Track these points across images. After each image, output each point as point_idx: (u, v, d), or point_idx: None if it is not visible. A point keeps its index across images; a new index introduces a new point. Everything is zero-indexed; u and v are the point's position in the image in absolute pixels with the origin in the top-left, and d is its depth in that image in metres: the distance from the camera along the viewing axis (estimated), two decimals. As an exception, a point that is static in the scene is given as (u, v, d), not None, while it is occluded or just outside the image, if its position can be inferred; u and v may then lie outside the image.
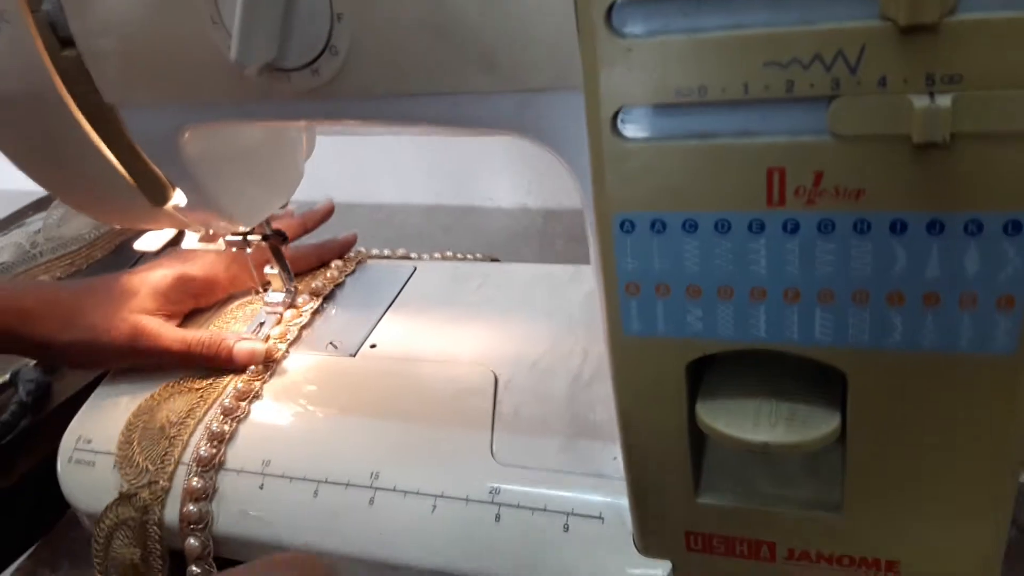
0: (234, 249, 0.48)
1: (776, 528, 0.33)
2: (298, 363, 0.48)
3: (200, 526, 0.42)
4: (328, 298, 0.53)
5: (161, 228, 0.45)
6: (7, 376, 0.61)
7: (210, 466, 0.43)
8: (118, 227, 0.53)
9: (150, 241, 0.47)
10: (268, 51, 0.30)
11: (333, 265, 0.55)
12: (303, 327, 0.50)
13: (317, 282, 0.53)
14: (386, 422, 0.43)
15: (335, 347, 0.48)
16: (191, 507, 0.42)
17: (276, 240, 0.48)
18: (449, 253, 0.57)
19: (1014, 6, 0.23)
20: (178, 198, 0.40)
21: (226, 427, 0.44)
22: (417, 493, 0.40)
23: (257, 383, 0.46)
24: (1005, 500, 0.30)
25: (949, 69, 0.23)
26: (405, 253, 0.58)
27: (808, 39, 0.24)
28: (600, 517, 0.37)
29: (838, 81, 0.24)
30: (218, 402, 0.45)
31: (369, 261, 0.56)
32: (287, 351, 0.49)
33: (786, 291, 0.28)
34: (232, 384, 0.46)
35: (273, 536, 0.41)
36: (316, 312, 0.51)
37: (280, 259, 0.50)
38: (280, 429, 0.44)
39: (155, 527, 0.43)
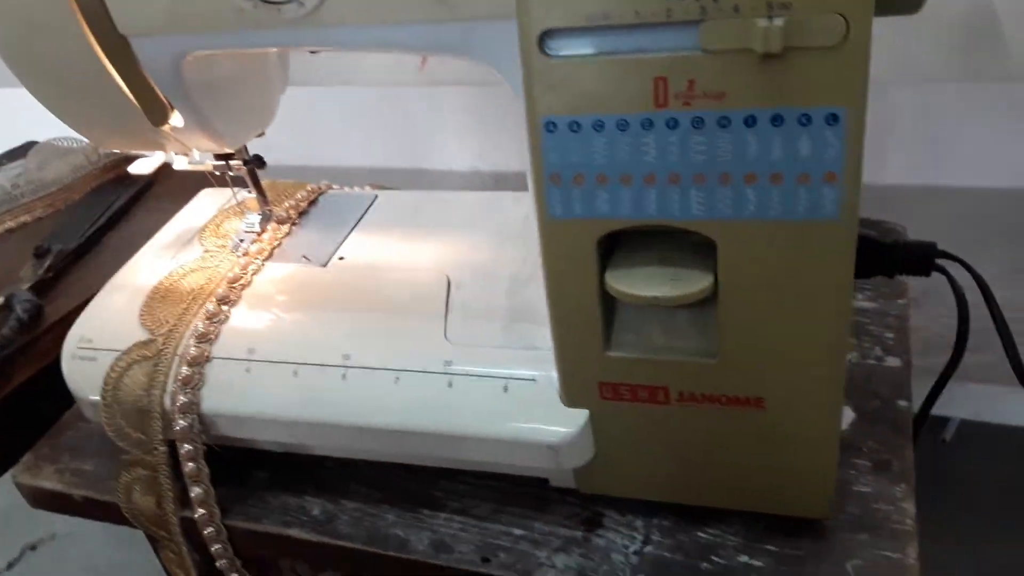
0: (218, 173, 0.55)
1: (668, 374, 0.41)
2: (276, 273, 0.55)
3: (189, 411, 0.50)
4: (296, 223, 0.60)
5: (156, 150, 0.52)
6: (1, 299, 0.67)
7: (198, 362, 0.50)
8: (116, 151, 0.59)
9: (143, 165, 0.54)
10: (265, -14, 0.37)
11: (299, 195, 0.62)
12: (276, 246, 0.57)
13: (283, 209, 0.60)
14: (355, 315, 0.51)
15: (308, 260, 0.56)
16: (180, 398, 0.49)
17: (255, 164, 0.55)
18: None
19: (827, -48, 0.31)
20: (175, 120, 0.47)
21: (211, 328, 0.51)
22: (383, 368, 0.47)
23: (237, 291, 0.54)
24: (841, 342, 0.38)
25: (782, -1, 0.32)
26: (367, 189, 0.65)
27: (679, -24, 0.32)
28: (533, 380, 0.45)
29: (705, 8, 0.33)
30: (202, 307, 0.52)
31: (331, 192, 0.63)
32: (263, 265, 0.56)
33: (670, 175, 0.36)
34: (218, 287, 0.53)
35: (258, 411, 0.49)
36: (287, 234, 0.59)
37: (257, 183, 0.57)
38: (262, 324, 0.52)
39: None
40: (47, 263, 0.71)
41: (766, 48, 0.32)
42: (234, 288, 0.54)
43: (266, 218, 0.59)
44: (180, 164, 0.53)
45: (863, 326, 0.57)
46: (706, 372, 0.41)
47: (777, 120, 0.34)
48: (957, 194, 0.82)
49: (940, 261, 0.51)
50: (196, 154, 0.53)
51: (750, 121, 0.34)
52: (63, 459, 0.59)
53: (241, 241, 0.57)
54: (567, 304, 0.41)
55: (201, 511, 0.52)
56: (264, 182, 0.64)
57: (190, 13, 0.40)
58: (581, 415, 0.44)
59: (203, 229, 0.60)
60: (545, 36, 0.35)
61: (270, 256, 0.57)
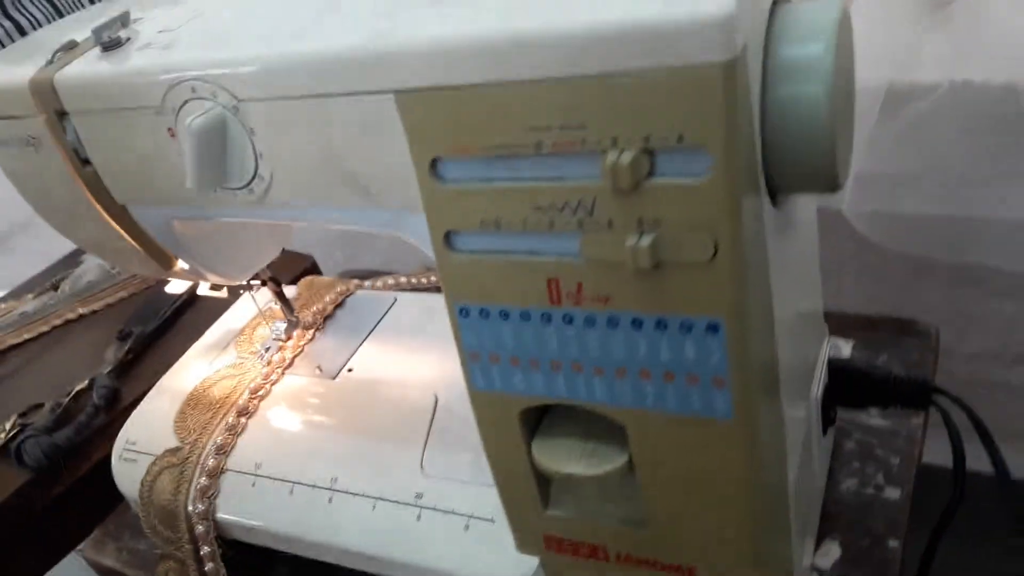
0: (242, 292, 0.60)
1: (604, 536, 0.42)
2: (290, 385, 0.60)
3: (206, 518, 0.55)
4: (320, 328, 0.64)
5: (178, 279, 0.57)
6: (86, 382, 0.76)
7: (215, 473, 0.55)
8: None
9: (176, 287, 0.60)
10: (215, 180, 0.41)
11: (328, 297, 0.66)
12: (298, 353, 0.62)
13: (310, 315, 0.64)
14: (348, 436, 0.54)
15: (320, 371, 0.60)
16: (198, 506, 0.55)
17: (272, 285, 0.59)
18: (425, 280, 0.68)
19: (691, 174, 0.31)
20: (182, 264, 0.52)
21: (229, 440, 0.56)
22: (363, 495, 0.51)
23: (256, 403, 0.58)
24: (756, 527, 0.38)
25: (652, 215, 0.32)
26: (393, 284, 0.68)
27: (561, 191, 0.33)
28: (492, 520, 0.47)
29: (582, 222, 0.33)
30: (225, 418, 0.58)
31: (358, 292, 0.67)
32: (283, 374, 0.61)
33: (572, 363, 0.37)
34: (238, 400, 0.59)
35: (260, 524, 0.53)
36: (310, 340, 0.63)
37: (281, 297, 0.62)
38: (270, 438, 0.56)
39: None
40: (127, 346, 0.79)
41: (636, 264, 0.32)
42: (253, 400, 0.59)
43: (292, 325, 0.63)
44: (203, 289, 0.59)
45: (870, 448, 0.55)
46: (638, 538, 0.41)
47: (661, 325, 0.34)
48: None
49: (937, 397, 0.49)
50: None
51: (636, 324, 0.34)
52: (124, 537, 0.66)
53: (267, 349, 0.62)
54: (504, 465, 0.42)
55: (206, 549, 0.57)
56: (305, 280, 0.69)
57: (165, 193, 0.45)
58: (532, 562, 0.45)
59: (240, 333, 0.66)
60: (450, 234, 0.37)
61: (291, 364, 0.61)
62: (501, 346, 0.38)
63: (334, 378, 0.59)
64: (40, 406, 0.75)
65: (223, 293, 0.59)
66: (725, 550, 0.39)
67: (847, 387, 0.51)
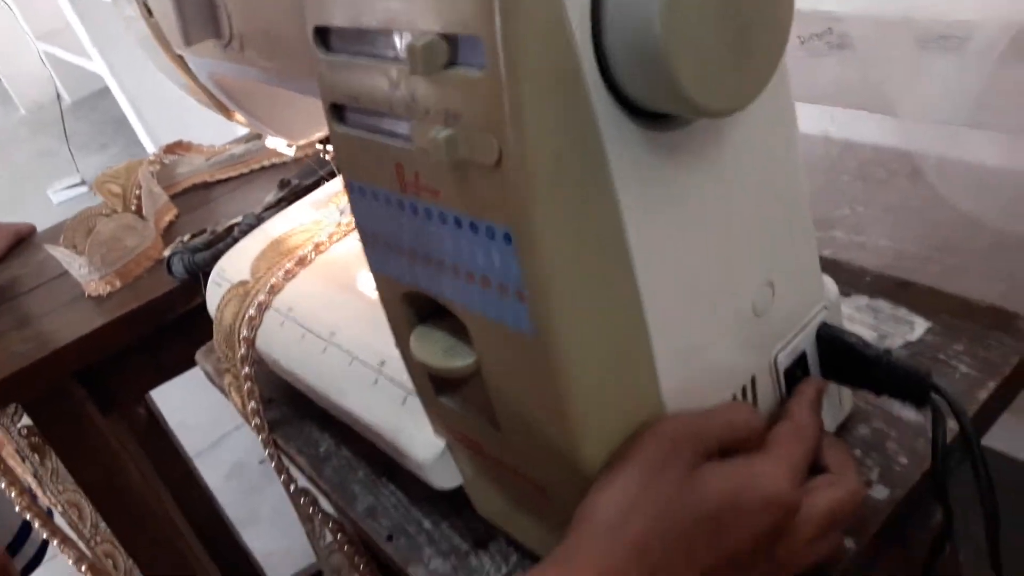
0: (323, 155, 0.65)
1: (479, 434, 0.42)
2: (346, 246, 0.65)
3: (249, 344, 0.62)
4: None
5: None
6: (240, 218, 0.87)
7: (263, 308, 0.62)
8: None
9: (272, 142, 0.66)
10: (199, 35, 0.45)
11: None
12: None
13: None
14: (359, 300, 0.58)
15: (372, 238, 0.64)
16: (244, 332, 0.62)
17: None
18: None
19: (480, 68, 0.29)
20: (239, 117, 0.57)
21: (281, 283, 0.63)
22: (347, 352, 0.55)
23: (313, 256, 0.64)
24: (577, 447, 0.36)
25: (454, 108, 0.31)
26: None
27: (393, 72, 0.33)
28: (424, 400, 0.49)
29: (409, 107, 0.33)
30: (285, 265, 0.64)
31: None
32: (345, 235, 0.65)
33: (423, 255, 0.37)
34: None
35: (277, 359, 0.60)
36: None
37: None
38: (308, 288, 0.62)
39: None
40: (281, 194, 0.89)
41: (436, 156, 0.31)
42: (312, 252, 0.64)
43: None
44: (275, 144, 0.64)
45: (882, 440, 0.48)
46: (498, 442, 0.41)
47: (475, 228, 0.33)
48: None
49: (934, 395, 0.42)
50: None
51: (460, 223, 0.33)
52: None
53: (342, 212, 0.67)
54: (401, 347, 0.43)
55: (256, 420, 0.65)
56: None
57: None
58: (440, 444, 0.47)
59: (336, 194, 0.71)
60: (334, 107, 0.38)
61: (355, 229, 0.66)
62: (378, 228, 0.39)
63: (378, 247, 0.63)
64: (204, 231, 0.88)
65: (290, 151, 0.64)
66: (572, 478, 0.38)
67: (838, 361, 0.44)
